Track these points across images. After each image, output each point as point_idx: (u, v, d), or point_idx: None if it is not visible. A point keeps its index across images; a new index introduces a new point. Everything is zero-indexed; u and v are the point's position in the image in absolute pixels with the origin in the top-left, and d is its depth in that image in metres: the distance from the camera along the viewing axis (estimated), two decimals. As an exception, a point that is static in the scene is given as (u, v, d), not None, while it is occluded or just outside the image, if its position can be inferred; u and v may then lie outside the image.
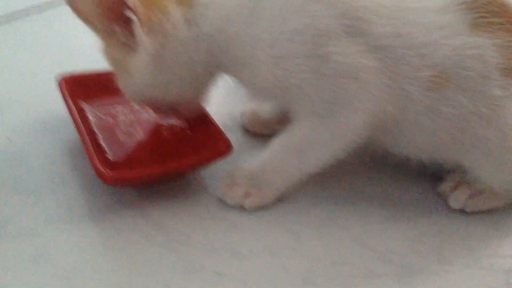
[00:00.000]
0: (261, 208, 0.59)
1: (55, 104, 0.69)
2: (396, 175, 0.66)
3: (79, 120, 0.60)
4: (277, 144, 0.59)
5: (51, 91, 0.69)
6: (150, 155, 0.61)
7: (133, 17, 0.52)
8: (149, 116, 0.66)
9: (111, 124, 0.64)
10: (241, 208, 0.59)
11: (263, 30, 0.53)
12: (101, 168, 0.53)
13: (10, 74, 0.78)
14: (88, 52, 0.74)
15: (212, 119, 0.63)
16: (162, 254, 0.53)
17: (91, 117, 0.63)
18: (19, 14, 0.94)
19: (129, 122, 0.65)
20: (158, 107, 0.62)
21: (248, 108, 0.70)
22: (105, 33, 0.55)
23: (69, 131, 0.66)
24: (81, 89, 0.65)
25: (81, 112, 0.62)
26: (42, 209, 0.57)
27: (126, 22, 0.53)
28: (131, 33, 0.54)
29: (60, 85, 0.64)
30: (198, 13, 0.55)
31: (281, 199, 0.60)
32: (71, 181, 0.60)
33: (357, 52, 0.52)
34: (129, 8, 0.52)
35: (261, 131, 0.69)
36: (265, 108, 0.70)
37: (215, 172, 0.62)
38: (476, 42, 0.53)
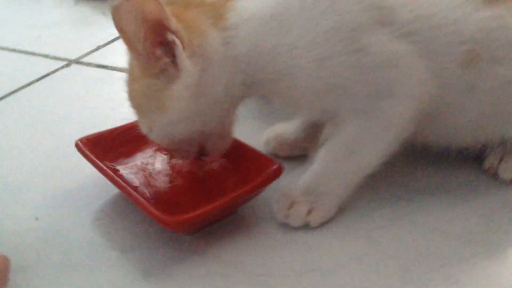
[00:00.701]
0: (326, 222, 0.57)
1: (73, 173, 0.65)
2: (437, 165, 0.65)
3: (115, 177, 0.55)
4: (326, 153, 0.57)
5: (66, 160, 0.65)
6: (199, 196, 0.57)
7: (175, 40, 0.50)
8: (176, 160, 0.62)
9: (144, 176, 0.60)
10: (306, 226, 0.56)
11: (297, 37, 0.52)
12: (162, 215, 0.49)
13: (22, 151, 0.72)
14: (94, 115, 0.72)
15: (248, 145, 0.61)
16: (248, 290, 0.49)
17: (123, 173, 0.59)
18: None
19: (160, 171, 0.61)
20: (185, 149, 0.58)
21: (271, 134, 0.68)
22: (145, 58, 0.51)
23: (95, 196, 0.61)
24: (100, 149, 0.60)
25: (112, 170, 0.58)
26: (96, 281, 0.51)
27: (167, 48, 0.51)
28: (171, 60, 0.51)
29: (80, 148, 0.60)
30: (231, 34, 0.53)
31: (341, 209, 0.58)
32: (117, 246, 0.55)
33: (390, 40, 0.52)
34: (171, 31, 0.50)
35: (290, 153, 0.67)
36: (289, 129, 0.68)
37: (263, 200, 0.59)
38: (494, 13, 0.54)
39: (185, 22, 0.51)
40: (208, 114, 0.54)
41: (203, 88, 0.52)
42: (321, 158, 0.57)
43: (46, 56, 0.99)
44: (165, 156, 0.63)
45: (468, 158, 0.65)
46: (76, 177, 0.65)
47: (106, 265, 0.53)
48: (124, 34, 0.49)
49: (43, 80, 0.90)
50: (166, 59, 0.51)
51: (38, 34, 1.11)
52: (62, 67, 0.95)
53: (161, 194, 0.57)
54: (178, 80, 0.51)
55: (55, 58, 0.98)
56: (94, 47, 1.03)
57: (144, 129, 0.56)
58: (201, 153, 0.59)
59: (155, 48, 0.50)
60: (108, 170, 0.56)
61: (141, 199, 0.52)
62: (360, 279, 0.50)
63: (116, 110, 0.78)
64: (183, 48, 0.50)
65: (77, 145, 0.60)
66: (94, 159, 0.58)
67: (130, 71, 0.55)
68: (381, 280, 0.50)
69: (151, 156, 0.63)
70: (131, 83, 0.54)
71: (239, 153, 0.60)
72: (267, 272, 0.51)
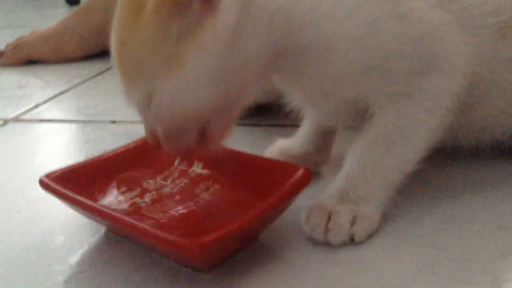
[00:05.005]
0: (372, 233, 0.46)
1: (33, 226, 0.51)
2: (473, 162, 0.57)
3: (104, 208, 0.42)
4: (360, 149, 0.47)
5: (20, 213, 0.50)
6: (210, 222, 0.45)
7: None
8: (171, 189, 0.50)
9: (135, 210, 0.47)
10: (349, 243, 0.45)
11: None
12: (182, 239, 0.37)
13: None
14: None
15: (256, 155, 0.51)
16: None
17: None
18: None
19: (151, 201, 0.48)
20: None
21: (275, 151, 0.57)
22: None
23: (68, 247, 0.47)
24: (72, 186, 0.47)
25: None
26: None
27: None
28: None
29: (47, 184, 0.46)
30: None
31: (385, 218, 0.47)
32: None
33: (431, 8, 0.45)
34: None
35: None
36: (295, 143, 0.58)
37: (284, 221, 0.47)
38: None
39: None
40: (234, 79, 0.42)
41: (238, 39, 0.41)
42: (355, 157, 0.47)
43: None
44: (153, 185, 0.50)
45: (503, 154, 0.57)
46: (37, 229, 0.51)
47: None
48: None
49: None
50: None
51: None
52: (-3, 127, 0.80)
53: (162, 226, 0.44)
54: (209, 24, 0.39)
55: (-13, 119, 0.83)
56: (33, 104, 0.90)
57: (137, 100, 0.42)
58: (200, 140, 0.45)
59: None
60: (92, 203, 0.43)
61: (146, 227, 0.39)
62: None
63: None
64: None
65: (42, 182, 0.46)
66: (70, 193, 0.44)
67: (127, 13, 0.41)
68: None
69: (136, 188, 0.50)
70: (129, 29, 0.41)
71: (248, 166, 0.48)
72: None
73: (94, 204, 0.43)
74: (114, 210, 0.46)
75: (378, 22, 0.43)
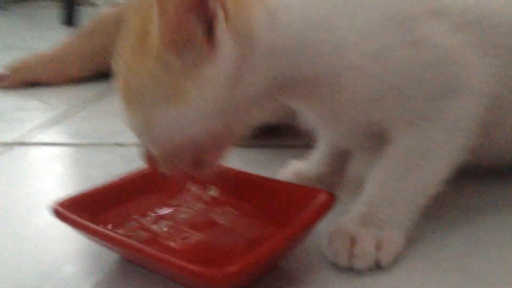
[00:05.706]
0: (396, 258, 0.44)
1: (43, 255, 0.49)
2: (491, 182, 0.56)
3: (123, 238, 0.41)
4: (380, 172, 0.46)
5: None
6: (230, 249, 0.43)
7: (218, 9, 0.38)
8: (186, 214, 0.48)
9: (151, 237, 0.45)
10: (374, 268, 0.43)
11: (348, 28, 0.43)
12: (205, 269, 0.35)
13: None
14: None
15: (273, 179, 0.49)
16: None
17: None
18: None
19: (170, 228, 0.47)
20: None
21: (289, 172, 0.56)
22: (173, 23, 0.39)
23: (81, 276, 0.45)
24: (85, 214, 0.45)
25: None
26: None
27: (203, 18, 0.39)
28: (205, 33, 0.39)
29: (61, 213, 0.44)
30: (274, 18, 0.42)
31: (408, 241, 0.46)
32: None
33: (447, 31, 0.45)
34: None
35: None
36: (309, 165, 0.57)
37: (303, 246, 0.46)
38: None
39: None
40: (234, 112, 0.42)
41: (238, 78, 0.41)
42: (376, 179, 0.46)
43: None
44: (167, 211, 0.49)
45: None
46: (48, 257, 0.49)
47: None
48: None
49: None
50: (199, 31, 0.39)
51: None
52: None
53: (180, 253, 0.43)
54: (211, 62, 0.39)
55: (-9, 143, 0.82)
56: (36, 128, 0.88)
57: (135, 125, 0.43)
58: (194, 164, 0.45)
59: (188, 13, 0.38)
60: (111, 233, 0.42)
61: (166, 256, 0.37)
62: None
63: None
64: (227, 24, 0.39)
65: (55, 211, 0.45)
66: (86, 223, 0.43)
67: (133, 41, 0.42)
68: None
69: (150, 215, 0.49)
70: (133, 57, 0.41)
71: (267, 189, 0.47)
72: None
73: (113, 234, 0.42)
74: (131, 238, 0.44)
75: (385, 50, 0.43)
